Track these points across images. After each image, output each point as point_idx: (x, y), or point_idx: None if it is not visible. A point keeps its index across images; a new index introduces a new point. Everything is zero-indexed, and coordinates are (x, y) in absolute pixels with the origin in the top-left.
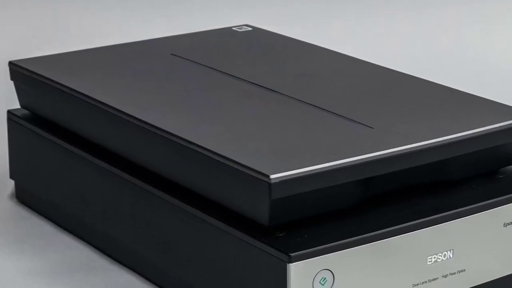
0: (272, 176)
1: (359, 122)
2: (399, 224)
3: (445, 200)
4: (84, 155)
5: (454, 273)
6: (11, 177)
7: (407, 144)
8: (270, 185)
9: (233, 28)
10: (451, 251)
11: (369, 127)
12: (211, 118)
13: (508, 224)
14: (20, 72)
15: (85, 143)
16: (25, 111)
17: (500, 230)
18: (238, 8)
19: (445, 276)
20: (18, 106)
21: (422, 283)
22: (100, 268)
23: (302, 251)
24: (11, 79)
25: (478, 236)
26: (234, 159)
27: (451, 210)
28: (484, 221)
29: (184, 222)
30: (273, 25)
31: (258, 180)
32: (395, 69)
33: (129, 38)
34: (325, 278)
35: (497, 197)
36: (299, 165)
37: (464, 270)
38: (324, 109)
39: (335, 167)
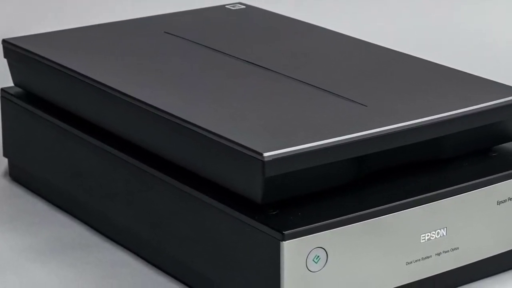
0: (265, 154)
1: (352, 100)
2: (393, 202)
3: (438, 178)
4: (78, 133)
5: (448, 251)
6: (5, 155)
7: (401, 122)
8: (263, 163)
9: (227, 6)
10: (445, 229)
11: (363, 105)
12: (205, 96)
13: (502, 202)
14: (13, 50)
15: (79, 121)
16: (19, 89)
17: (493, 208)
18: None
19: (439, 254)
20: (12, 84)
21: (416, 261)
22: (94, 246)
23: (295, 229)
24: (5, 57)
25: (472, 214)
26: (228, 137)
27: (445, 188)
28: (477, 199)
29: (178, 200)
30: (266, 3)
31: (251, 158)
32: (389, 47)
33: (122, 16)
34: (318, 256)
35: (491, 175)
36: (293, 143)
37: (458, 248)
38: (317, 87)
39: (328, 145)
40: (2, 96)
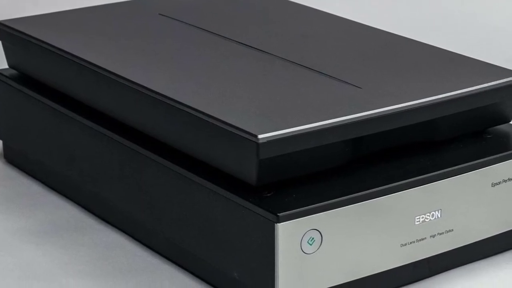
0: (260, 136)
1: (347, 82)
2: (387, 184)
3: (433, 160)
4: (72, 115)
5: (442, 233)
6: None
7: (395, 104)
8: (258, 145)
9: None
10: (439, 211)
11: (358, 87)
12: (200, 78)
13: (496, 184)
14: (8, 32)
15: (73, 103)
16: (13, 71)
17: (488, 190)
18: None
19: (433, 236)
20: (6, 66)
21: (410, 243)
22: (88, 228)
23: (290, 211)
24: None
25: (466, 196)
26: (223, 119)
27: (439, 170)
28: (472, 181)
29: (173, 182)
30: None
31: (246, 140)
32: (385, 29)
33: None
34: (313, 238)
35: (485, 157)
36: (287, 125)
37: (452, 230)
38: (312, 69)
39: (322, 127)
40: None
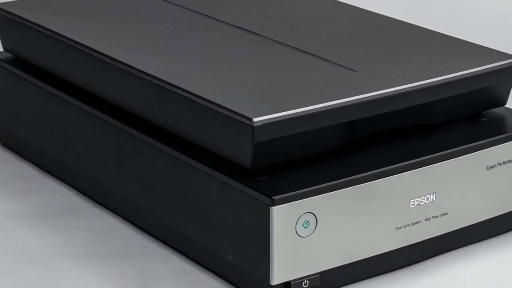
0: (255, 119)
1: (342, 65)
2: (382, 167)
3: (428, 143)
4: (68, 98)
5: (437, 216)
6: None
7: (390, 87)
8: (253, 128)
9: None
10: (434, 194)
11: (352, 70)
12: (195, 61)
13: (491, 167)
14: (2, 15)
15: (69, 86)
16: (9, 54)
17: (483, 173)
18: None
19: (428, 219)
20: (1, 49)
21: (405, 226)
22: (83, 211)
23: (285, 194)
24: None
25: (461, 179)
26: (218, 102)
27: (435, 153)
28: (467, 164)
29: (168, 166)
30: None
31: (241, 123)
32: (380, 13)
33: None
34: (308, 221)
35: (480, 140)
36: (282, 108)
37: (447, 213)
38: (307, 52)
39: (317, 111)
40: None
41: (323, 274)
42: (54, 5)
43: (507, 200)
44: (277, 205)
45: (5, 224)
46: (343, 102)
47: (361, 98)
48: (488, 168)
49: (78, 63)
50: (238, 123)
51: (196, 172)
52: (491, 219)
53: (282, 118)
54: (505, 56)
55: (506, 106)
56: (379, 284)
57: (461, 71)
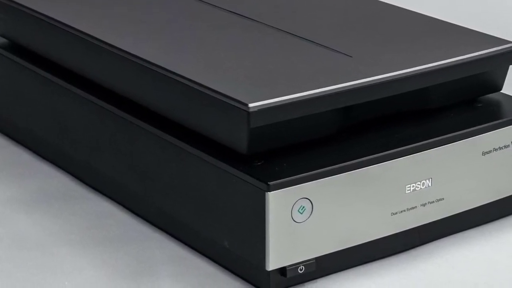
0: (250, 105)
1: (337, 51)
2: (378, 153)
3: (424, 128)
4: (63, 84)
5: (433, 202)
6: None
7: (386, 73)
8: (248, 113)
9: None
10: (430, 179)
11: (348, 55)
12: (191, 47)
13: (487, 152)
14: None
15: (65, 72)
16: (4, 40)
17: (478, 158)
18: None
19: (424, 205)
20: None
21: (401, 211)
22: (79, 197)
23: (280, 180)
24: None
25: (457, 165)
26: (213, 87)
27: (430, 138)
28: (462, 150)
29: (164, 151)
30: None
31: (236, 108)
32: None
33: None
34: (303, 207)
35: (476, 125)
36: (278, 94)
37: (443, 199)
38: (303, 38)
39: (313, 96)
40: None
41: (319, 259)
42: None
43: (502, 186)
44: (273, 190)
45: (1, 210)
46: (338, 88)
47: (357, 84)
48: (484, 153)
49: (74, 49)
50: (234, 108)
51: (192, 157)
52: (486, 204)
53: (277, 104)
54: (500, 41)
55: (502, 91)
56: (375, 269)
57: (457, 56)
